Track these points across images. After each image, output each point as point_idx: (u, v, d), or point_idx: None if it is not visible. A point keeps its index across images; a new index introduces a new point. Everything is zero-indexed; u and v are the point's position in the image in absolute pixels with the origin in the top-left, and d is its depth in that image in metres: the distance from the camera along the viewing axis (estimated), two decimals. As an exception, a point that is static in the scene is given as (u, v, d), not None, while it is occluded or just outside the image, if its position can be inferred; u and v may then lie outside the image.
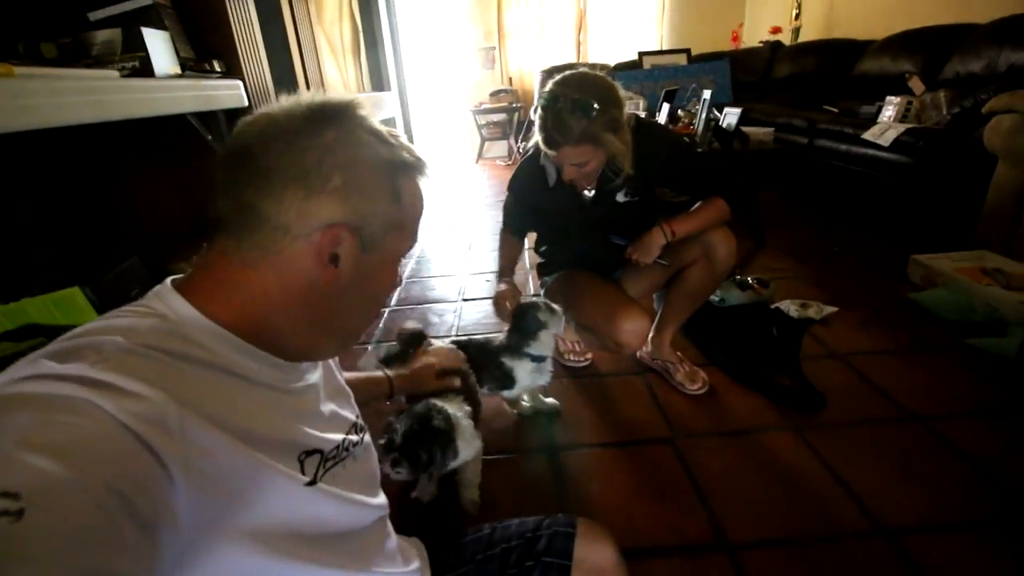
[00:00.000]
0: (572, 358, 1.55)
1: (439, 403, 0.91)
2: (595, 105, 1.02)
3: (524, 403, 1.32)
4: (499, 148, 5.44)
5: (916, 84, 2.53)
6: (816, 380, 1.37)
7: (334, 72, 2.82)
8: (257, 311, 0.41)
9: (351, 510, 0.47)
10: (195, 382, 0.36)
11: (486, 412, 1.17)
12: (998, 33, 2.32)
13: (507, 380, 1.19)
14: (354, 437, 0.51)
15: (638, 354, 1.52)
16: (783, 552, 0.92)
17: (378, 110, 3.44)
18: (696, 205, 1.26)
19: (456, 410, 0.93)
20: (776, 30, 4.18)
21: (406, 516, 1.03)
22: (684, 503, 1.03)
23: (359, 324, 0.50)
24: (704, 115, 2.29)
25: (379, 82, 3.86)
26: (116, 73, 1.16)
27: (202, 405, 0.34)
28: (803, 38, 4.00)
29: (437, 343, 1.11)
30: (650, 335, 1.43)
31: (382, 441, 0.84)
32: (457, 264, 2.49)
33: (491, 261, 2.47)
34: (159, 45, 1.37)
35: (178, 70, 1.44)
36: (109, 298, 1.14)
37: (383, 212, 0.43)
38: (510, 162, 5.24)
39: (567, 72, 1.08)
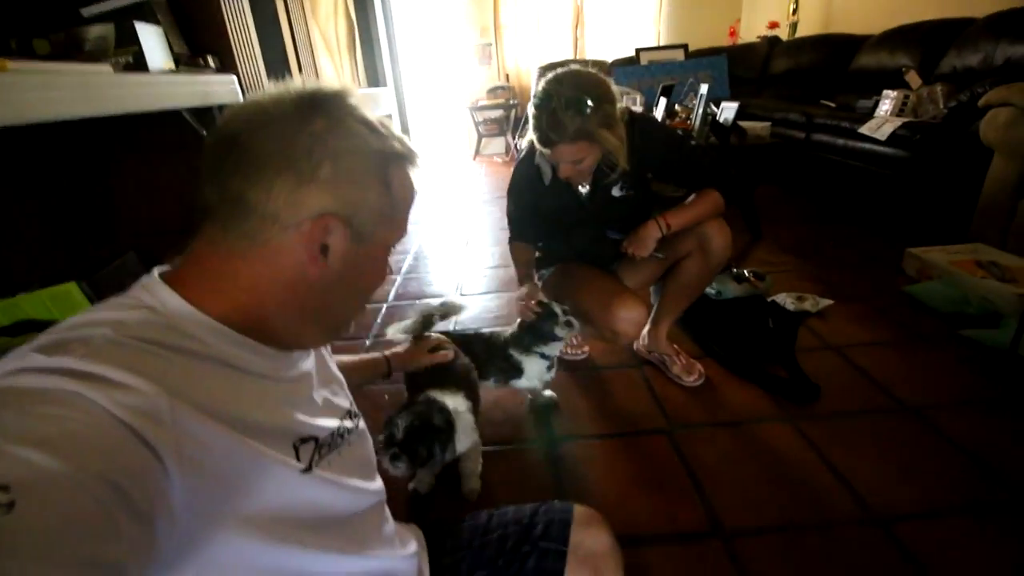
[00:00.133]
0: (569, 351, 1.55)
1: (439, 399, 0.91)
2: (589, 102, 1.02)
3: (527, 395, 1.33)
4: (496, 145, 5.43)
5: (913, 78, 2.53)
6: (811, 372, 1.37)
7: (329, 68, 2.81)
8: (246, 301, 0.41)
9: (348, 496, 0.47)
10: (186, 373, 0.35)
11: (485, 404, 1.18)
12: (995, 27, 2.32)
13: (514, 372, 1.22)
14: (348, 424, 0.52)
15: (635, 347, 1.52)
16: (777, 539, 0.93)
17: (374, 106, 3.42)
18: (690, 197, 1.26)
19: (457, 404, 0.94)
20: (773, 25, 4.18)
21: (404, 504, 1.03)
22: (680, 492, 1.04)
23: (348, 314, 0.50)
24: (701, 110, 2.28)
25: (375, 78, 3.84)
26: (110, 68, 1.15)
27: (194, 395, 0.34)
28: (800, 33, 4.00)
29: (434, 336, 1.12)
30: (647, 328, 1.44)
31: (381, 436, 0.84)
32: (455, 260, 2.49)
33: (489, 256, 2.48)
34: (152, 40, 1.37)
35: (172, 65, 1.43)
36: (105, 293, 1.13)
37: (374, 202, 0.43)
38: (507, 159, 5.24)
39: (559, 70, 1.09)
